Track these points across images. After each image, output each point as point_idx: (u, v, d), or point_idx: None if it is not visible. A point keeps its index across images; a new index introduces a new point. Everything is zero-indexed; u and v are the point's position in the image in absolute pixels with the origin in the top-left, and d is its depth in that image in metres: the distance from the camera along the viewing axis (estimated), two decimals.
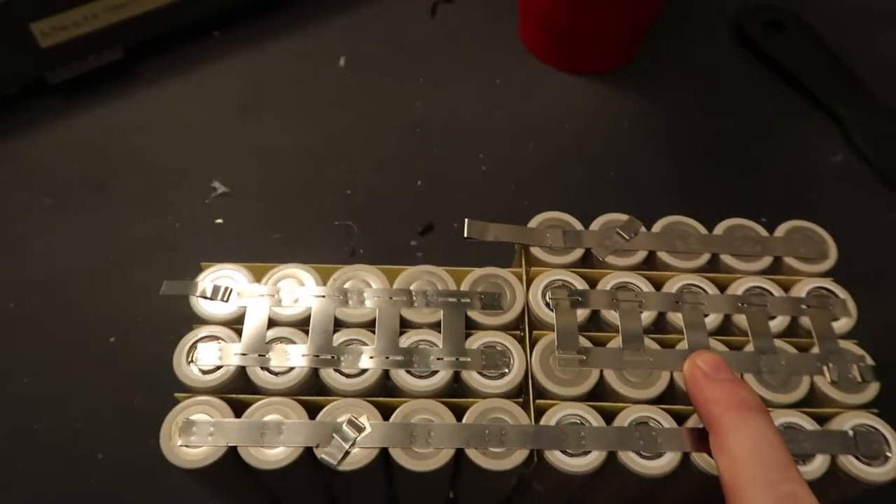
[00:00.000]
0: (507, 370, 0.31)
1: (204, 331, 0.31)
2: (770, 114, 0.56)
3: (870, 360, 0.32)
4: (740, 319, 0.33)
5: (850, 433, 0.30)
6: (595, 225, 0.35)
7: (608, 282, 0.33)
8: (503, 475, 0.29)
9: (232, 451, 0.29)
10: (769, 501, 0.24)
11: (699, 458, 0.29)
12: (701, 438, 0.29)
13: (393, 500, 0.38)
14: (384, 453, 0.29)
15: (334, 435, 0.29)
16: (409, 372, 0.31)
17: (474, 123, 0.54)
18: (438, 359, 0.31)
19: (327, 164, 0.51)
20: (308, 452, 0.29)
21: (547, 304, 0.33)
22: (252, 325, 0.32)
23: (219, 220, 0.48)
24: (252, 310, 0.32)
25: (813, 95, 0.56)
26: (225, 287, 0.32)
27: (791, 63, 0.57)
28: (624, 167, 0.52)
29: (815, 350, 0.32)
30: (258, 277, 0.33)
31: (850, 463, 0.29)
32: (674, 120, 0.55)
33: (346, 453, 0.29)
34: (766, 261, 0.34)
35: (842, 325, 0.33)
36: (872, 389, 0.31)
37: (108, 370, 0.43)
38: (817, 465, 0.29)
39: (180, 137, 0.52)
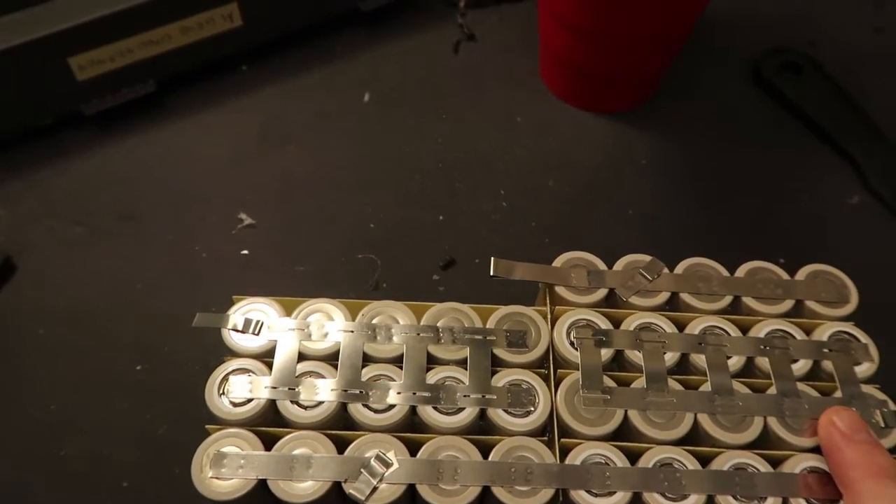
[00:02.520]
0: (532, 408, 0.31)
1: (235, 363, 0.32)
2: (787, 155, 0.57)
3: (892, 406, 0.32)
4: (763, 362, 0.33)
5: None
6: (618, 265, 0.36)
7: (632, 322, 0.34)
8: None
9: (261, 484, 0.29)
10: None
11: (723, 502, 0.29)
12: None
13: None
14: (411, 489, 0.30)
15: (362, 470, 0.29)
16: (435, 408, 0.31)
17: (495, 159, 0.55)
18: (465, 396, 0.31)
19: (351, 197, 0.52)
20: (336, 487, 0.29)
21: (571, 344, 0.33)
22: (282, 359, 0.32)
23: (244, 252, 0.49)
24: (282, 343, 0.33)
25: (829, 137, 0.57)
26: (256, 320, 0.33)
27: (807, 105, 0.58)
28: (642, 205, 0.53)
29: (838, 394, 0.32)
30: (288, 311, 0.34)
31: None
32: (691, 159, 0.56)
33: (374, 489, 0.29)
34: (788, 304, 0.35)
35: (864, 369, 0.33)
36: (895, 436, 0.31)
37: (135, 399, 0.43)
38: None
39: (208, 169, 0.53)
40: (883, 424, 0.31)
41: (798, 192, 0.55)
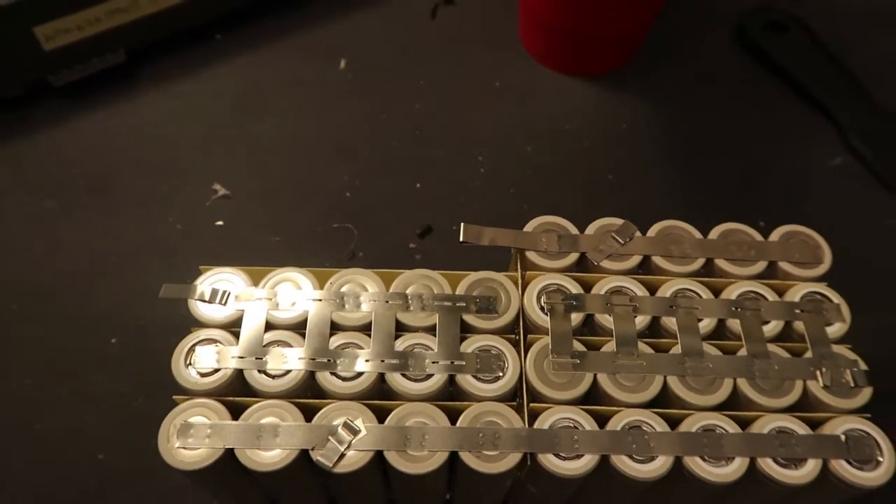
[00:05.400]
0: (501, 374, 0.31)
1: (202, 334, 0.32)
2: (769, 116, 0.56)
3: (863, 365, 0.32)
4: (734, 324, 0.33)
5: (843, 438, 0.30)
6: (590, 229, 0.35)
7: (603, 286, 0.34)
8: (497, 478, 0.29)
9: (229, 453, 0.29)
10: None
11: (691, 462, 0.30)
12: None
13: (390, 502, 0.38)
14: (379, 456, 0.30)
15: (330, 438, 0.29)
16: (404, 375, 0.31)
17: (473, 125, 0.54)
18: (433, 362, 0.31)
19: (327, 166, 0.52)
20: (304, 455, 0.29)
21: (542, 308, 0.33)
22: (249, 329, 0.32)
23: (219, 223, 0.49)
24: (250, 313, 0.32)
25: (812, 98, 0.56)
26: (223, 290, 0.33)
27: (791, 65, 0.57)
28: (622, 170, 0.52)
29: (809, 355, 0.32)
30: (256, 281, 0.33)
31: (843, 467, 0.30)
32: (672, 122, 0.55)
33: (342, 456, 0.29)
34: (761, 265, 0.35)
35: (836, 329, 0.33)
36: (865, 394, 0.31)
37: (109, 372, 0.43)
38: (809, 469, 0.30)
39: (182, 140, 0.53)
40: (853, 384, 0.31)
41: (780, 154, 0.54)
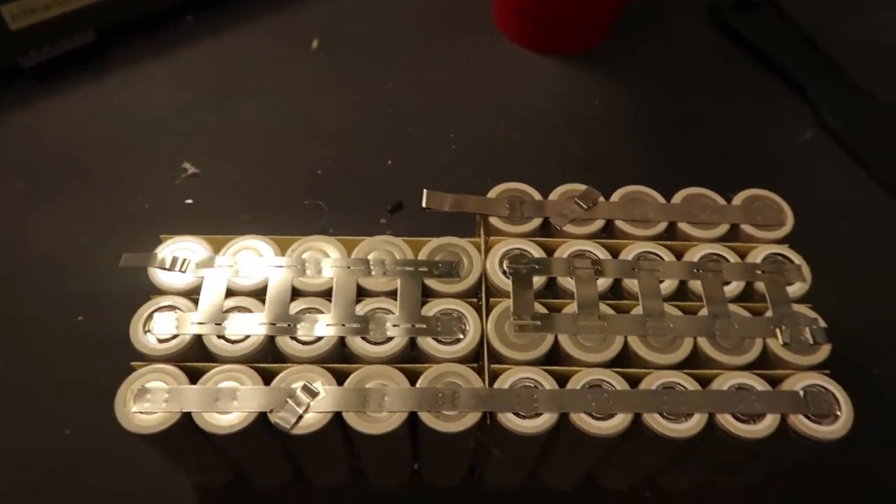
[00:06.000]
0: (462, 336, 0.31)
1: (162, 301, 0.32)
2: (741, 93, 0.56)
3: (822, 323, 0.32)
4: (696, 285, 0.33)
5: (801, 393, 0.30)
6: (554, 195, 0.35)
7: (565, 250, 0.34)
8: (457, 438, 0.29)
9: (187, 418, 0.29)
10: None
11: (651, 419, 0.30)
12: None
13: (357, 473, 0.38)
14: (341, 422, 0.29)
15: (288, 400, 0.29)
16: (364, 339, 0.31)
17: (446, 104, 0.54)
18: (394, 325, 0.31)
19: (298, 144, 0.51)
20: (264, 420, 0.29)
21: (504, 273, 0.33)
22: (209, 295, 0.32)
23: (189, 201, 0.48)
24: (209, 280, 0.32)
25: (784, 74, 0.56)
26: (183, 258, 0.33)
27: (762, 42, 0.57)
28: (594, 148, 0.52)
29: (769, 314, 0.32)
30: (217, 249, 0.33)
31: (801, 422, 0.30)
32: (644, 100, 0.56)
33: (300, 417, 0.29)
34: (723, 228, 0.35)
35: (796, 289, 0.33)
36: (824, 351, 0.31)
37: (76, 348, 0.43)
38: (767, 424, 0.30)
39: (152, 120, 0.52)
40: (812, 341, 0.31)
41: (751, 129, 0.54)
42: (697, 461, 0.35)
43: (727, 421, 0.30)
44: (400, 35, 0.57)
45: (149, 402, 0.29)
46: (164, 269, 0.32)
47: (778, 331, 0.32)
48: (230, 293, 0.32)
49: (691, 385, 0.30)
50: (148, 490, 0.39)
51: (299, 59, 0.56)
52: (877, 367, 0.43)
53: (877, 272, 0.47)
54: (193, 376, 0.30)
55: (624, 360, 0.32)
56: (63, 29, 0.51)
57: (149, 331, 0.31)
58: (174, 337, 0.31)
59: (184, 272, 0.32)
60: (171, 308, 0.31)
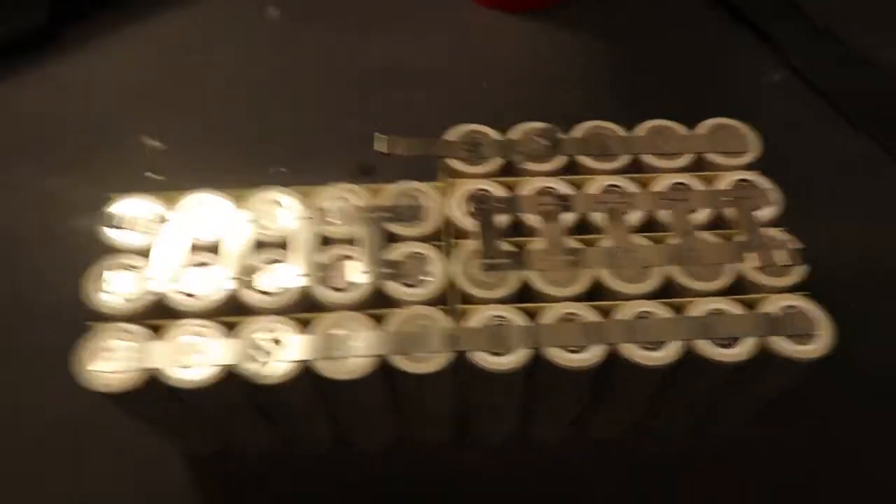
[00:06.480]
0: (428, 278, 0.30)
1: (115, 259, 0.31)
2: (709, 39, 0.56)
3: (797, 244, 0.31)
4: (663, 215, 0.32)
5: (780, 314, 0.30)
6: (513, 133, 0.34)
7: (529, 188, 0.33)
8: (429, 380, 0.29)
9: (150, 375, 0.28)
10: None
11: (626, 349, 0.29)
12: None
13: (342, 441, 0.37)
14: (307, 368, 0.29)
15: (253, 351, 0.28)
16: (328, 286, 0.30)
17: (411, 66, 0.53)
18: (357, 271, 0.30)
19: (261, 113, 0.50)
20: (234, 376, 0.28)
21: (468, 214, 0.32)
22: (164, 251, 0.31)
23: (149, 174, 0.47)
24: (164, 236, 0.31)
25: (750, 18, 0.56)
26: (136, 216, 0.32)
27: None
28: (562, 104, 0.52)
29: (741, 237, 0.32)
30: (170, 205, 0.32)
31: (780, 343, 0.29)
32: (609, 48, 0.55)
33: (268, 365, 0.28)
34: (688, 158, 0.34)
35: (767, 213, 0.32)
36: (799, 272, 0.31)
37: (45, 328, 0.42)
38: (745, 347, 0.29)
39: (108, 99, 0.51)
40: (787, 262, 0.31)
41: (720, 75, 0.54)
42: (678, 397, 0.34)
43: (704, 346, 0.29)
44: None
45: (107, 361, 0.28)
46: (118, 227, 0.31)
47: (751, 255, 0.31)
48: (186, 248, 0.31)
49: (666, 313, 0.30)
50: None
51: (259, 27, 0.55)
52: (852, 300, 0.42)
53: (850, 205, 0.47)
54: (155, 334, 0.29)
55: (596, 294, 0.31)
56: (13, 9, 0.50)
57: (103, 290, 0.30)
58: (133, 296, 0.30)
59: (137, 230, 0.31)
60: (126, 266, 0.30)
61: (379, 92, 0.52)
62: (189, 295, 0.30)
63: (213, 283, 0.30)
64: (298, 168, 0.48)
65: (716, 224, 0.33)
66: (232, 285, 0.30)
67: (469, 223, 0.32)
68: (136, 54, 0.53)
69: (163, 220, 0.32)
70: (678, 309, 0.30)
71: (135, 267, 0.30)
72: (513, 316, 0.30)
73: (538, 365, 0.29)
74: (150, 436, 0.38)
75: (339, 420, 0.35)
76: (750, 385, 0.32)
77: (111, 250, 0.31)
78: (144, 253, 0.31)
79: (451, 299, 0.31)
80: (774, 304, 0.30)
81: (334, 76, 0.52)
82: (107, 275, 0.30)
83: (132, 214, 0.32)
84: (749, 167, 0.34)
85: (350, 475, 0.39)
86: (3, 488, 0.38)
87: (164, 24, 0.54)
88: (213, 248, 0.31)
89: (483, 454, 0.39)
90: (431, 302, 0.30)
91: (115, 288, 0.30)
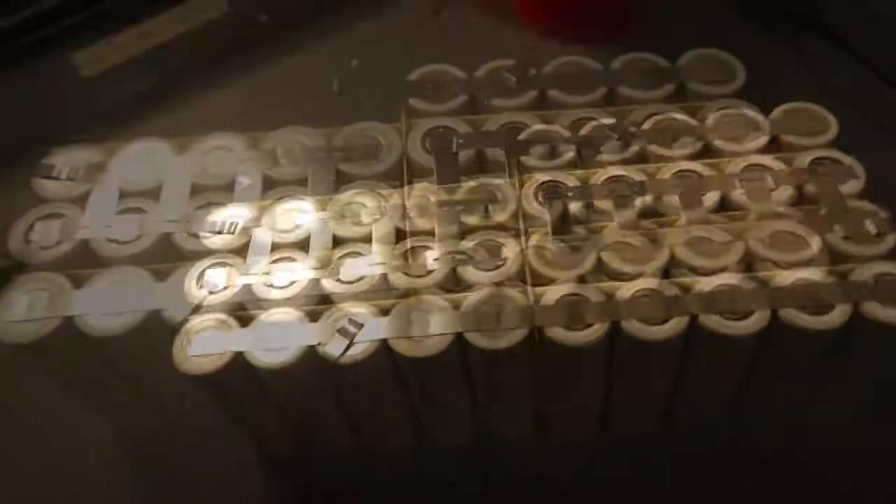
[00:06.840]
0: (378, 216, 0.28)
1: (46, 209, 0.29)
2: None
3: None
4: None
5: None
6: (480, 71, 0.32)
7: (495, 123, 0.30)
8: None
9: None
10: None
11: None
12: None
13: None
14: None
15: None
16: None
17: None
18: (304, 212, 0.28)
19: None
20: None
21: (427, 151, 0.30)
22: (99, 200, 0.29)
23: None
24: (101, 185, 0.29)
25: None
26: (73, 166, 0.30)
27: None
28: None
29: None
30: (108, 154, 0.30)
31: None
32: None
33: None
34: (668, 89, 0.31)
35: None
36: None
37: None
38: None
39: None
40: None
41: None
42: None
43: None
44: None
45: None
46: (55, 178, 0.29)
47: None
48: (123, 196, 0.29)
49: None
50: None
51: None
52: None
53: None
54: (77, 281, 0.27)
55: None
56: None
57: (31, 241, 0.28)
58: (57, 243, 0.28)
59: (74, 180, 0.29)
60: (58, 216, 0.28)
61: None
62: (120, 243, 0.28)
63: (147, 229, 0.28)
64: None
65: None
66: (166, 230, 0.28)
67: (427, 160, 0.29)
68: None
69: (100, 170, 0.30)
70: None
71: (65, 216, 0.28)
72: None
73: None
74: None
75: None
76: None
77: (43, 200, 0.29)
78: (78, 202, 0.29)
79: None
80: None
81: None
82: (38, 224, 0.28)
83: (70, 164, 0.30)
84: (735, 95, 0.31)
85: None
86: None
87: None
88: (152, 194, 0.29)
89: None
90: (382, 240, 0.27)
91: (41, 238, 0.28)
